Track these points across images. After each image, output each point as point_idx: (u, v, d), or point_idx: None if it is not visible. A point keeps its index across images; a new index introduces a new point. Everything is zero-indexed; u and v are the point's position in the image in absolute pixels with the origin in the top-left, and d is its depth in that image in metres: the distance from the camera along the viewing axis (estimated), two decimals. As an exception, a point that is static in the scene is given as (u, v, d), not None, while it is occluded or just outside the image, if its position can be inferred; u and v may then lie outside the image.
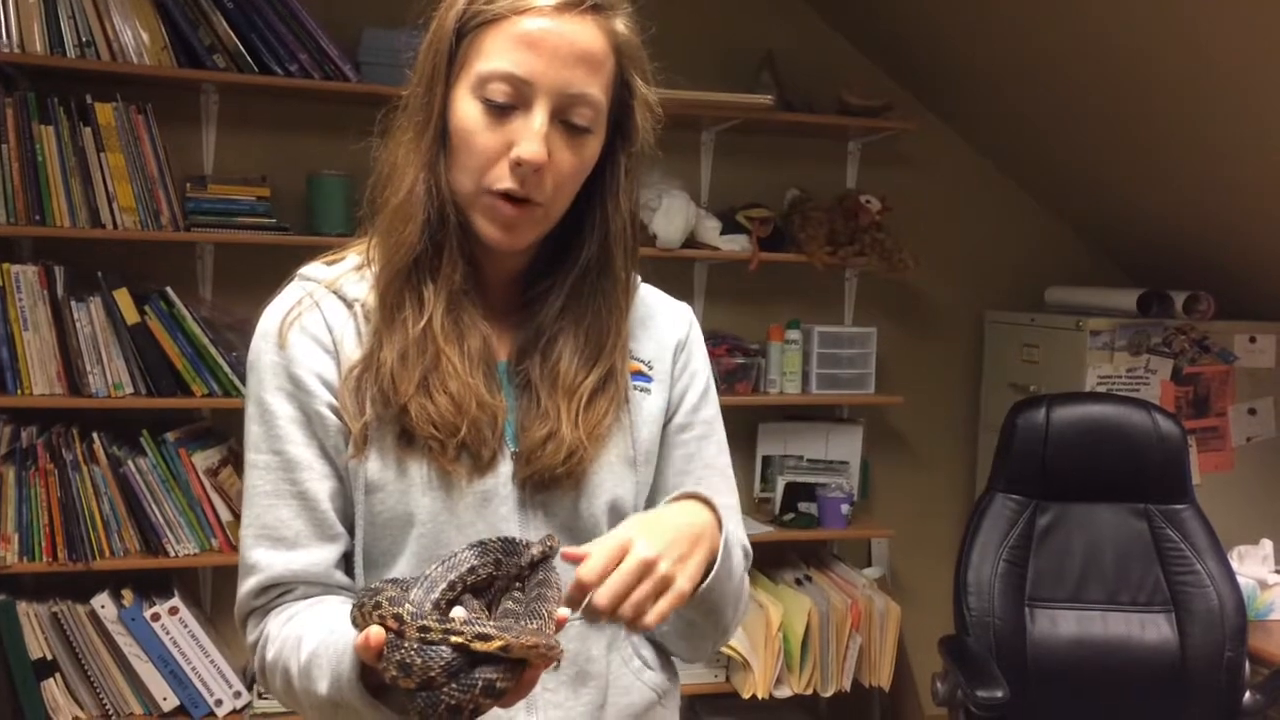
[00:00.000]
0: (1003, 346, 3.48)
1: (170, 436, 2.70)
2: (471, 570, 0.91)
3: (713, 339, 3.11)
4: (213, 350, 2.69)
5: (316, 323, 1.08)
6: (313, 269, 1.14)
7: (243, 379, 2.70)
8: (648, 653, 1.16)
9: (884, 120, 3.22)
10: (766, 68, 3.16)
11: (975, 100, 3.34)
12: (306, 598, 1.05)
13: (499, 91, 1.00)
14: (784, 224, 3.23)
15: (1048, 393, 2.72)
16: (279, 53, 2.72)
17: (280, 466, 1.05)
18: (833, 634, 3.07)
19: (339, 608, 1.01)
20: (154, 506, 2.66)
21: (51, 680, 2.63)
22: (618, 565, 0.91)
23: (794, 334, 3.19)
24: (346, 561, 1.08)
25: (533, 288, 1.12)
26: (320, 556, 1.05)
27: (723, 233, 3.12)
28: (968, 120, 3.46)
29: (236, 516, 2.75)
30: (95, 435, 2.65)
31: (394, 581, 0.94)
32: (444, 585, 0.89)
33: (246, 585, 1.06)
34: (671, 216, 2.99)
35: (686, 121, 3.16)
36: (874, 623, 3.12)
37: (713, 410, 1.21)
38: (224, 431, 2.91)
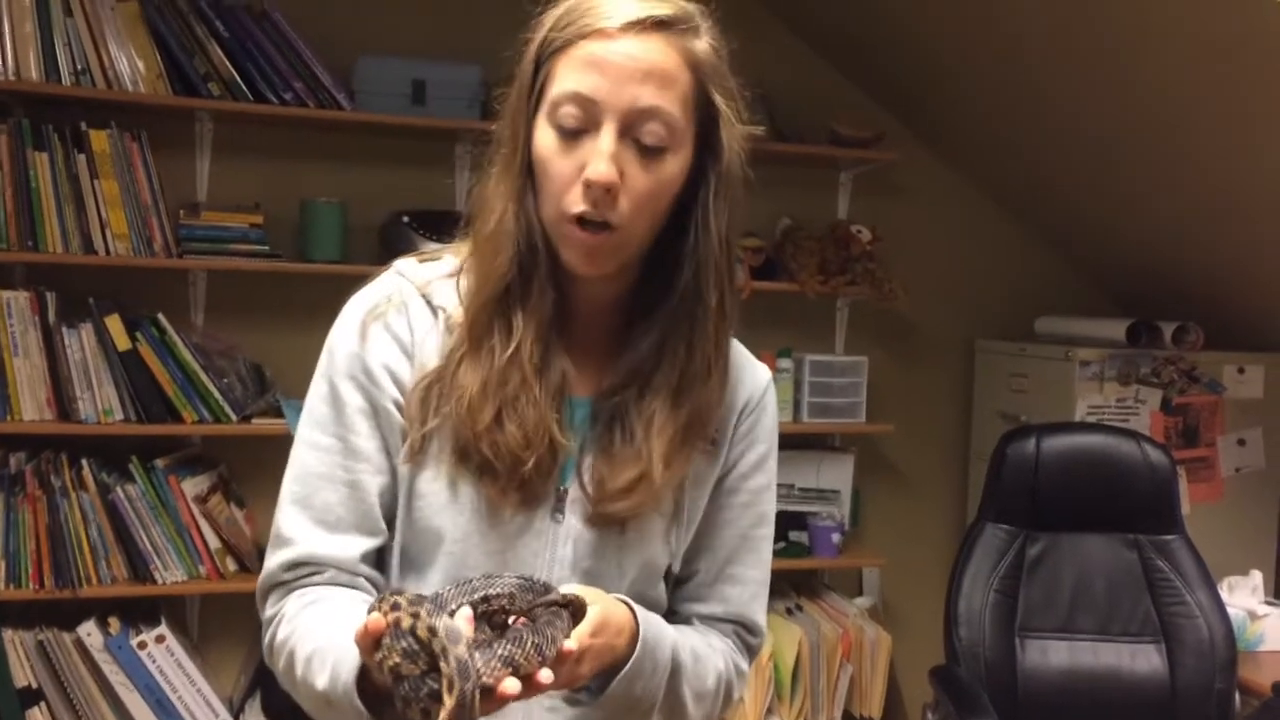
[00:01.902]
0: (993, 376, 3.49)
1: (160, 463, 2.69)
2: (485, 600, 0.92)
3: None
4: (204, 377, 2.68)
5: (400, 322, 1.08)
6: (408, 265, 1.13)
7: (233, 405, 2.70)
8: None
9: (875, 151, 3.24)
10: (758, 98, 3.18)
11: (965, 132, 3.37)
12: (333, 584, 1.06)
13: (569, 115, 1.00)
14: (776, 253, 3.24)
15: (1038, 422, 2.73)
16: (274, 81, 2.74)
17: (341, 452, 1.06)
18: (823, 663, 3.06)
19: (357, 607, 1.01)
20: (142, 534, 2.64)
21: (36, 709, 2.60)
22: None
23: (785, 362, 3.20)
24: (379, 557, 1.09)
25: (630, 319, 1.10)
26: (356, 546, 1.06)
27: (714, 262, 3.13)
28: (958, 151, 3.48)
29: (225, 544, 2.74)
30: (84, 462, 2.64)
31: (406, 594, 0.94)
32: (453, 607, 0.90)
33: (278, 557, 1.07)
34: (663, 245, 3.00)
35: (678, 151, 3.17)
36: (865, 652, 3.11)
37: (764, 480, 1.18)
38: (214, 458, 2.90)
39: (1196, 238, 3.06)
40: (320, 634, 0.99)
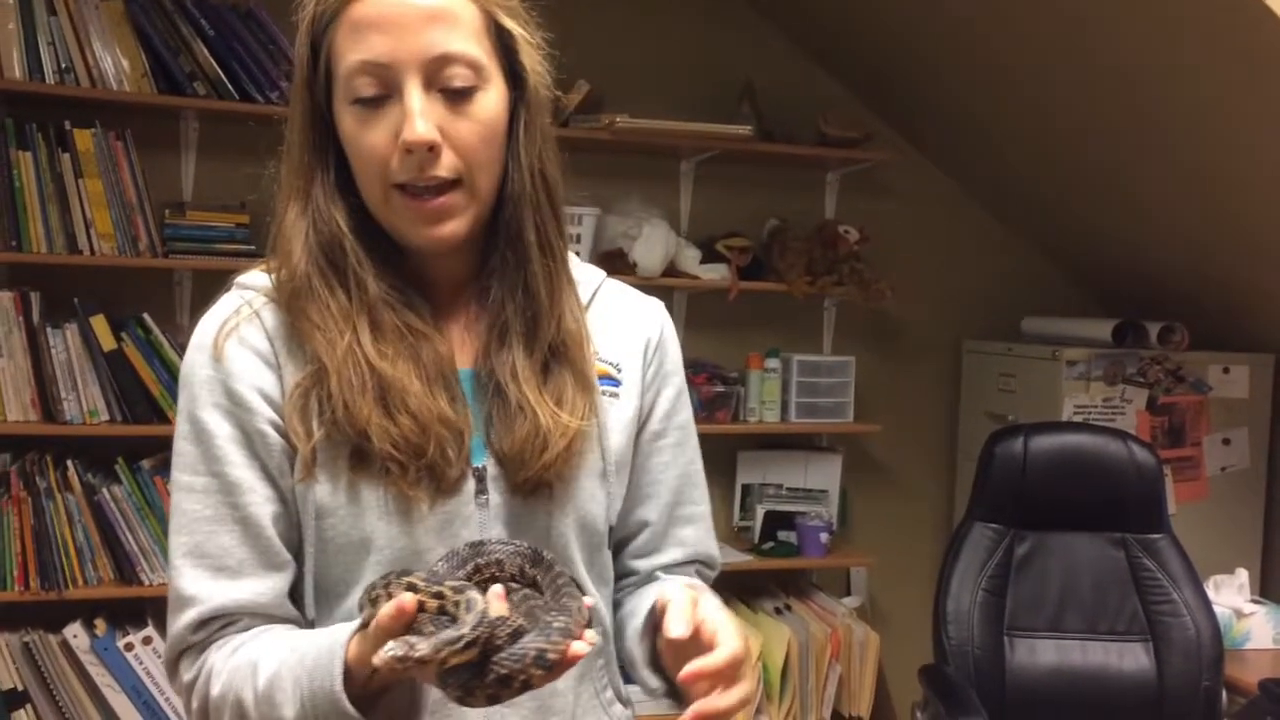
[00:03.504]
0: (980, 376, 3.50)
1: (145, 464, 2.68)
2: (476, 569, 0.89)
3: (692, 367, 3.12)
4: (190, 377, 2.67)
5: (256, 334, 0.99)
6: (252, 277, 1.05)
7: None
8: (621, 684, 1.11)
9: (862, 151, 3.25)
10: (746, 98, 3.18)
11: (952, 132, 3.37)
12: (250, 630, 0.96)
13: (364, 85, 0.93)
14: (763, 253, 3.25)
15: (1025, 422, 2.73)
16: (259, 80, 2.72)
17: (220, 490, 0.96)
18: (812, 663, 3.07)
19: (295, 632, 0.95)
20: (128, 534, 2.63)
21: (22, 711, 2.59)
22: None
23: (773, 363, 3.20)
24: (292, 592, 0.99)
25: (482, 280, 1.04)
26: (266, 586, 0.96)
27: (702, 261, 3.13)
28: (945, 152, 3.49)
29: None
30: (69, 463, 2.62)
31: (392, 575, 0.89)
32: (450, 582, 0.85)
33: (182, 620, 0.95)
34: (652, 245, 3.01)
35: (666, 151, 3.18)
36: (853, 652, 3.11)
37: (687, 414, 1.15)
38: (200, 459, 2.89)
39: (1182, 238, 3.08)
40: (268, 664, 0.89)
